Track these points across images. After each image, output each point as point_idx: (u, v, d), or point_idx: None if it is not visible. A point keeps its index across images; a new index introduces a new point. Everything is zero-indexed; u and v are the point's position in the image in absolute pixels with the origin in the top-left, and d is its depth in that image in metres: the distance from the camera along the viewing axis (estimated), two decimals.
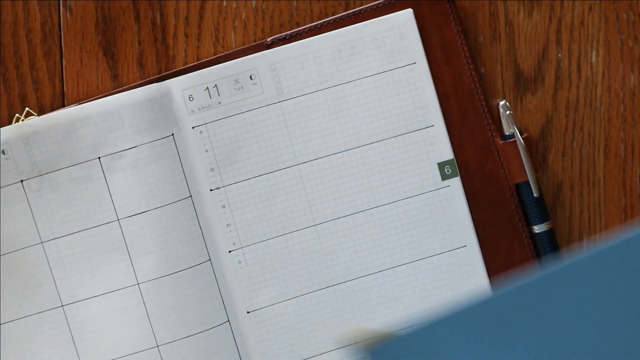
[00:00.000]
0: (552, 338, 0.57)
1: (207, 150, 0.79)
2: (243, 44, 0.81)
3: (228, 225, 0.79)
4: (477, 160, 0.80)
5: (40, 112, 0.80)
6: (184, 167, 0.79)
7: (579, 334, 0.57)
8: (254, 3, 0.81)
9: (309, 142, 0.80)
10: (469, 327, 0.58)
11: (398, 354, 0.59)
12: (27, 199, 0.78)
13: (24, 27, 0.80)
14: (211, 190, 0.79)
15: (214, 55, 0.81)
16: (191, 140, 0.78)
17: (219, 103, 0.79)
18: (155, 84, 0.78)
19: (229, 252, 0.79)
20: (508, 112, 0.81)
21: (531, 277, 0.58)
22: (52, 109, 0.80)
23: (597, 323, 0.57)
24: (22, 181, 0.78)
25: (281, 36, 0.80)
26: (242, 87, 0.79)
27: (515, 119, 0.81)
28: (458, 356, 0.58)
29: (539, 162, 0.82)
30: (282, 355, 0.79)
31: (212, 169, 0.79)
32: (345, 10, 0.81)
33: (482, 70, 0.82)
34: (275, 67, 0.79)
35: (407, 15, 0.79)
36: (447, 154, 0.80)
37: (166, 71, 0.81)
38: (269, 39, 0.80)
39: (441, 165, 0.80)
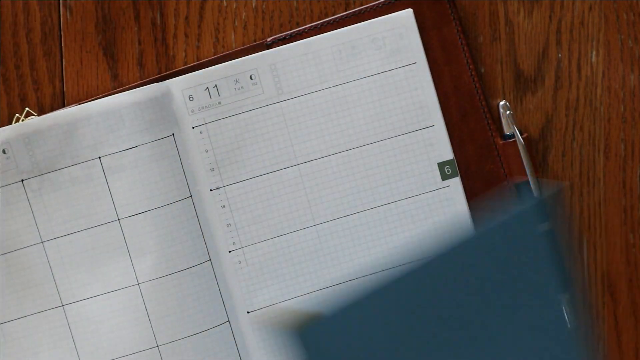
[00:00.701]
0: (455, 311, 0.61)
1: (207, 150, 0.79)
2: (243, 44, 0.81)
3: (228, 225, 0.79)
4: (477, 160, 0.80)
5: (40, 112, 0.80)
6: (184, 167, 0.79)
7: (474, 307, 0.62)
8: (254, 3, 0.81)
9: (309, 142, 0.80)
10: (384, 304, 0.61)
11: (323, 334, 0.61)
12: (28, 199, 0.78)
13: (24, 27, 0.80)
14: (211, 190, 0.79)
15: (214, 55, 0.81)
16: (191, 140, 0.78)
17: (219, 103, 0.79)
18: (155, 84, 0.78)
19: (229, 252, 0.79)
20: (508, 112, 0.81)
21: (431, 255, 0.62)
22: (52, 109, 0.80)
23: (488, 298, 0.62)
24: (22, 181, 0.78)
25: (281, 36, 0.80)
26: (242, 87, 0.79)
27: (515, 119, 0.81)
28: (379, 332, 0.61)
29: (539, 162, 0.82)
30: (282, 355, 0.79)
31: (212, 169, 0.79)
32: (345, 10, 0.81)
33: (482, 70, 0.82)
34: (275, 67, 0.79)
35: (407, 16, 0.79)
36: (447, 154, 0.80)
37: (166, 71, 0.81)
38: (269, 39, 0.80)
39: (441, 165, 0.80)
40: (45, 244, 0.78)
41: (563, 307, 0.65)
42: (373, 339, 0.62)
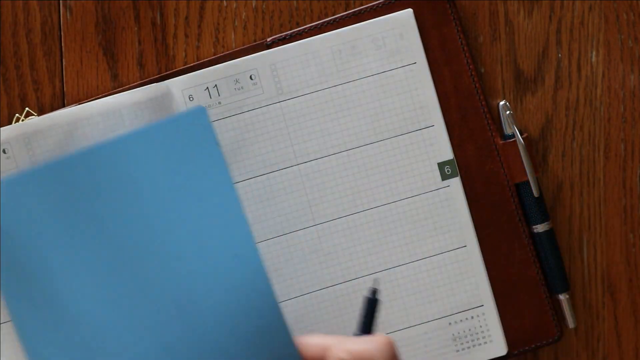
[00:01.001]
0: (119, 200, 0.67)
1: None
2: (243, 44, 0.81)
3: None
4: (477, 160, 0.80)
5: (40, 112, 0.80)
6: None
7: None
8: (254, 3, 0.81)
9: (309, 142, 0.80)
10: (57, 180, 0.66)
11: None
12: None
13: (24, 27, 0.80)
14: None
15: (214, 55, 0.81)
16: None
17: (219, 103, 0.79)
18: (155, 84, 0.78)
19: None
20: (508, 112, 0.81)
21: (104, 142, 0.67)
22: (52, 109, 0.80)
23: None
24: None
25: (281, 36, 0.80)
26: (242, 87, 0.79)
27: (515, 119, 0.81)
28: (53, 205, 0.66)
29: (539, 162, 0.82)
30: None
31: None
32: (345, 10, 0.81)
33: (482, 70, 0.82)
34: (275, 67, 0.79)
35: (407, 15, 0.79)
36: (447, 154, 0.80)
37: (166, 71, 0.81)
38: (269, 39, 0.80)
39: (441, 165, 0.80)
40: None
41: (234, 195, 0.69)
42: (48, 211, 0.66)
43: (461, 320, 0.80)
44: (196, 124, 0.69)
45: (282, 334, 0.70)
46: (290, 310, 0.79)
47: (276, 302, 0.69)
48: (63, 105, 0.80)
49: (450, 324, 0.80)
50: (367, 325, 0.69)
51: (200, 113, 0.69)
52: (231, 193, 0.69)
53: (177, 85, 0.79)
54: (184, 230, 0.69)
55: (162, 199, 0.69)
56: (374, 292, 0.70)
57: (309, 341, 0.68)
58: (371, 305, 0.70)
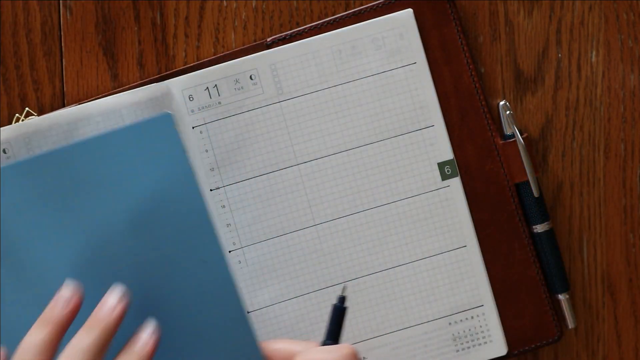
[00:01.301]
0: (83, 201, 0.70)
1: (207, 150, 0.79)
2: (243, 44, 0.81)
3: (228, 225, 0.79)
4: (477, 160, 0.80)
5: (40, 112, 0.80)
6: None
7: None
8: (254, 3, 0.81)
9: (309, 142, 0.80)
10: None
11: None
12: None
13: (24, 27, 0.80)
14: (211, 190, 0.79)
15: (214, 55, 0.81)
16: (191, 140, 0.78)
17: (219, 103, 0.79)
18: (155, 83, 0.78)
19: (229, 252, 0.79)
20: (508, 112, 0.81)
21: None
22: (52, 109, 0.80)
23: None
24: None
25: (281, 36, 0.80)
26: (242, 87, 0.79)
27: (515, 119, 0.81)
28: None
29: (539, 162, 0.82)
30: None
31: (212, 169, 0.79)
32: (345, 10, 0.81)
33: (482, 70, 0.82)
34: (275, 67, 0.79)
35: (407, 15, 0.79)
36: (447, 153, 0.80)
37: (166, 71, 0.81)
38: (269, 39, 0.80)
39: (441, 165, 0.80)
40: None
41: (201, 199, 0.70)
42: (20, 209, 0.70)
43: (461, 320, 0.80)
44: (161, 129, 0.70)
45: (248, 340, 0.70)
46: (290, 310, 0.80)
47: (243, 308, 0.70)
48: (63, 105, 0.80)
49: (450, 324, 0.80)
50: (333, 334, 0.69)
51: (165, 119, 0.70)
52: (198, 199, 0.70)
53: (177, 85, 0.79)
54: (149, 234, 0.70)
55: (127, 200, 0.71)
56: (342, 299, 0.70)
57: (275, 346, 0.69)
58: (338, 313, 0.69)
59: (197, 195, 0.71)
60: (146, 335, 0.67)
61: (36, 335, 0.65)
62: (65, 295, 0.66)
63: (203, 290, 0.72)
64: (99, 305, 0.66)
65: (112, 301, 0.66)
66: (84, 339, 0.65)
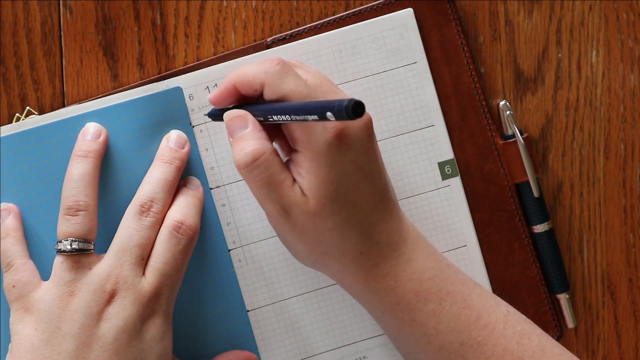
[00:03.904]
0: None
1: (207, 149, 0.78)
2: (243, 44, 0.81)
3: (228, 224, 0.79)
4: (477, 160, 0.80)
5: (40, 112, 0.80)
6: None
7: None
8: (254, 3, 0.81)
9: None
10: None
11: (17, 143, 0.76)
12: None
13: (24, 27, 0.80)
14: (211, 188, 0.79)
15: (214, 55, 0.81)
16: (191, 139, 0.78)
17: None
18: (155, 83, 0.78)
19: (229, 250, 0.79)
20: (508, 112, 0.81)
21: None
22: (52, 109, 0.80)
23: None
24: None
25: (281, 36, 0.80)
26: None
27: (515, 119, 0.81)
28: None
29: (539, 162, 0.82)
30: (281, 354, 0.79)
31: (212, 168, 0.79)
32: (345, 10, 0.81)
33: (482, 70, 0.82)
34: None
35: (407, 15, 0.79)
36: (448, 153, 0.80)
37: (166, 71, 0.81)
38: (269, 39, 0.80)
39: (441, 165, 0.80)
40: None
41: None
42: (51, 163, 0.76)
43: None
44: (172, 101, 0.77)
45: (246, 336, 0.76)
46: (289, 309, 0.79)
47: (243, 303, 0.75)
48: (63, 105, 0.80)
49: None
50: None
51: (176, 92, 0.77)
52: (202, 174, 0.76)
53: (177, 85, 0.79)
54: None
55: (135, 169, 0.76)
56: None
57: None
58: None
59: (202, 170, 0.76)
60: (195, 182, 0.76)
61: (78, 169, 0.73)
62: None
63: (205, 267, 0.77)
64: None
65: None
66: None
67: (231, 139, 0.71)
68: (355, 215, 0.70)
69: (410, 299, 0.71)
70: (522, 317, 0.73)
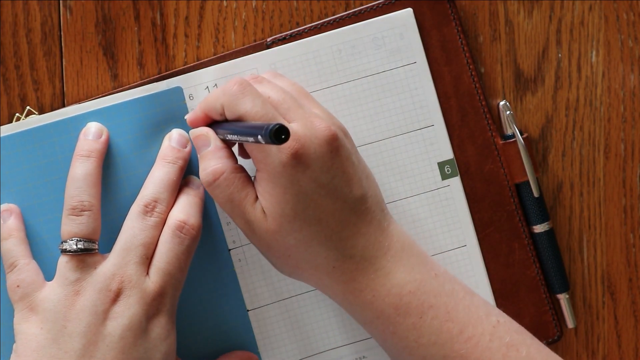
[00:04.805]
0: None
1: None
2: (243, 44, 0.81)
3: (228, 223, 0.79)
4: (477, 160, 0.80)
5: (40, 112, 0.80)
6: None
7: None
8: (254, 3, 0.81)
9: None
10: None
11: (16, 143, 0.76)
12: None
13: (24, 27, 0.80)
14: None
15: (214, 55, 0.81)
16: (191, 139, 0.78)
17: None
18: (155, 83, 0.78)
19: (229, 250, 0.79)
20: (508, 112, 0.81)
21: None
22: (52, 109, 0.80)
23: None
24: None
25: (281, 36, 0.80)
26: None
27: (515, 119, 0.81)
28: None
29: (539, 162, 0.82)
30: (281, 353, 0.79)
31: None
32: (345, 10, 0.81)
33: (482, 70, 0.82)
34: (275, 67, 0.79)
35: (407, 15, 0.79)
36: (447, 153, 0.80)
37: (166, 71, 0.81)
38: (269, 39, 0.80)
39: (441, 165, 0.80)
40: None
41: None
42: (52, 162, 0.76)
43: None
44: (172, 101, 0.77)
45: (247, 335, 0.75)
46: (290, 309, 0.79)
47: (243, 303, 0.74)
48: (63, 105, 0.80)
49: None
50: None
51: (176, 92, 0.77)
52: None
53: (177, 85, 0.79)
54: None
55: (136, 168, 0.76)
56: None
57: None
58: None
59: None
60: (197, 182, 0.76)
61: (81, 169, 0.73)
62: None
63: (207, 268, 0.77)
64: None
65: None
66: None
67: (199, 156, 0.73)
68: (322, 231, 0.70)
69: (389, 313, 0.71)
70: (515, 326, 0.72)
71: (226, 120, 0.72)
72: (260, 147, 0.70)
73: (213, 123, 0.74)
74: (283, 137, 0.62)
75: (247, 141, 0.67)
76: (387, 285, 0.71)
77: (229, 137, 0.71)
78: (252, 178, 0.72)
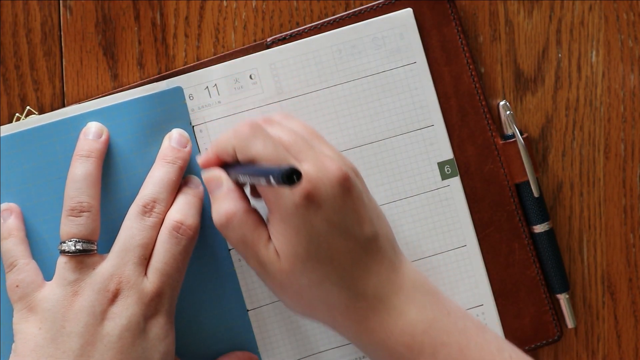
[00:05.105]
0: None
1: (207, 149, 0.78)
2: (243, 44, 0.81)
3: None
4: (477, 160, 0.80)
5: (40, 112, 0.80)
6: None
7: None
8: (254, 3, 0.81)
9: None
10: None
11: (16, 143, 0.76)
12: None
13: (24, 27, 0.80)
14: None
15: (214, 55, 0.81)
16: (191, 139, 0.78)
17: (219, 102, 0.79)
18: (155, 83, 0.78)
19: (229, 250, 0.79)
20: (508, 112, 0.81)
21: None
22: (52, 109, 0.80)
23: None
24: None
25: (281, 36, 0.80)
26: (241, 87, 0.79)
27: (515, 119, 0.81)
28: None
29: (539, 162, 0.82)
30: (281, 353, 0.79)
31: None
32: (345, 10, 0.81)
33: (482, 70, 0.82)
34: (275, 67, 0.79)
35: (407, 15, 0.79)
36: (447, 153, 0.80)
37: (166, 71, 0.81)
38: (269, 39, 0.80)
39: (441, 165, 0.80)
40: None
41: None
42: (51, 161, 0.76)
43: None
44: (172, 101, 0.77)
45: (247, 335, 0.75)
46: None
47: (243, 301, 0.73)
48: (63, 105, 0.80)
49: None
50: None
51: (176, 92, 0.77)
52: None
53: (177, 85, 0.79)
54: None
55: (136, 168, 0.76)
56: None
57: None
58: None
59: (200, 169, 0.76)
60: (196, 181, 0.76)
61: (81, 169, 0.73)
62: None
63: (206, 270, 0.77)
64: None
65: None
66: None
67: (211, 198, 0.73)
68: (334, 271, 0.70)
69: (402, 352, 0.71)
70: None
71: (238, 162, 0.72)
72: (273, 189, 0.70)
73: (225, 165, 0.74)
74: (295, 179, 0.62)
75: (260, 183, 0.67)
76: (399, 324, 0.71)
77: (241, 178, 0.71)
78: (265, 219, 0.72)
